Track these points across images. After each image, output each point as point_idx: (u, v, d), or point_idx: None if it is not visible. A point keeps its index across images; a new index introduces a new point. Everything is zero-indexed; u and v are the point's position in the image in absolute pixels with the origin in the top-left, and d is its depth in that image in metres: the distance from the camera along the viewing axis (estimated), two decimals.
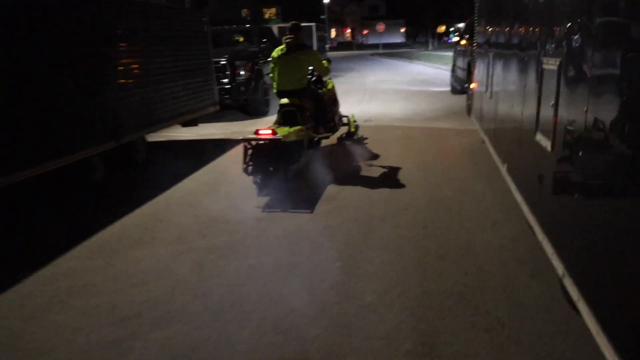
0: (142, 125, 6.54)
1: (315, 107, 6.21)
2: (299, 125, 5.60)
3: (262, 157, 5.06)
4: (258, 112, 11.02)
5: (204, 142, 8.65)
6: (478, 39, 6.49)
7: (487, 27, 5.41)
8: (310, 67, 6.22)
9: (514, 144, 3.85)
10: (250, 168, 5.11)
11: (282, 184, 5.28)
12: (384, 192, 5.31)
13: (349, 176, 5.98)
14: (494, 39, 4.81)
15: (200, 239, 4.28)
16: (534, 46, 3.03)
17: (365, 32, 77.85)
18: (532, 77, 3.03)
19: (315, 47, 18.01)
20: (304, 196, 5.26)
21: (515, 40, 3.77)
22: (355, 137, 7.69)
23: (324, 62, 6.36)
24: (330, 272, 3.56)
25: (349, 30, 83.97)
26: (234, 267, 3.72)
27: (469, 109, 9.46)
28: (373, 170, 6.18)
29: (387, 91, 14.62)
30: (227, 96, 10.48)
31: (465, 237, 4.07)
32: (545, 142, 2.52)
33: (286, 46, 5.97)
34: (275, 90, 6.15)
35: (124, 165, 6.72)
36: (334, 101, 6.90)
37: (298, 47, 5.93)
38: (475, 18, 6.82)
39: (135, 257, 3.97)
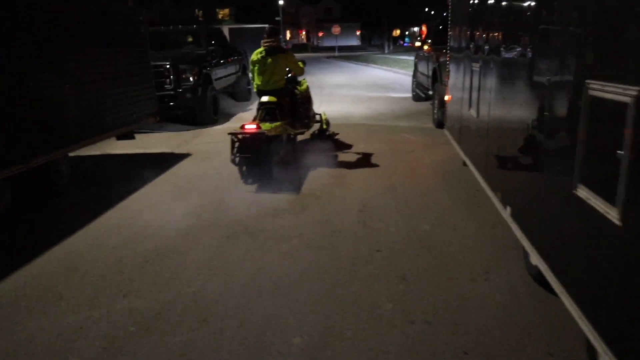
0: (62, 143, 5.44)
1: (291, 105, 6.70)
2: (279, 121, 6.04)
3: (246, 148, 5.45)
4: (206, 120, 10.02)
5: (144, 157, 7.60)
6: (454, 43, 5.74)
7: (472, 29, 4.64)
8: (287, 68, 6.63)
9: (526, 185, 3.04)
10: (237, 159, 5.51)
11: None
12: (350, 227, 4.48)
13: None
14: (486, 44, 4.03)
15: (120, 300, 3.31)
16: (571, 66, 2.20)
17: (320, 34, 77.35)
18: (569, 106, 2.21)
19: None
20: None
21: (528, 52, 2.97)
22: (327, 132, 8.29)
23: (299, 63, 6.79)
24: None
25: (304, 32, 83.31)
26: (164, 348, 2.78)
27: (439, 122, 8.78)
28: (336, 200, 5.34)
29: (346, 98, 13.85)
30: (172, 104, 9.44)
31: (455, 293, 3.27)
32: (603, 206, 1.72)
33: (265, 49, 6.36)
34: (255, 90, 6.59)
35: (41, 191, 5.60)
36: (308, 100, 7.48)
37: (276, 50, 6.36)
38: (450, 18, 6.07)
39: (26, 333, 2.97)
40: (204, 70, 10.12)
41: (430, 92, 10.34)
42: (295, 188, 5.65)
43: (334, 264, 3.74)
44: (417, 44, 11.87)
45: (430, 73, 9.64)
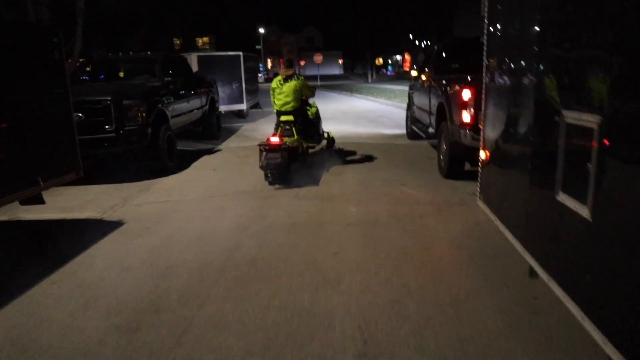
0: None
1: (304, 124, 7.88)
2: (295, 136, 7.30)
3: (272, 157, 6.73)
4: (160, 166, 8.10)
5: (57, 226, 5.63)
6: (503, 74, 3.86)
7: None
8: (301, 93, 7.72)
9: None
10: (264, 164, 6.75)
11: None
12: None
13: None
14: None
15: None
16: None
17: (302, 63, 76.43)
18: None
19: (242, 78, 15.31)
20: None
21: None
22: (333, 147, 9.26)
23: (311, 89, 7.96)
24: None
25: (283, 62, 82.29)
26: None
27: (449, 171, 7.01)
28: (320, 327, 3.43)
29: None
30: (114, 148, 7.53)
31: None
32: None
33: (282, 77, 7.65)
34: (275, 110, 7.76)
35: None
36: (317, 119, 8.57)
37: (292, 77, 7.62)
38: (489, 36, 4.20)
39: None
40: (158, 106, 8.25)
41: (432, 130, 8.59)
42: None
43: None
44: (413, 72, 10.15)
45: (434, 109, 7.87)
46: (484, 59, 3.94)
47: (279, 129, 7.37)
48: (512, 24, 3.28)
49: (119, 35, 42.18)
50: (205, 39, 71.03)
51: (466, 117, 6.24)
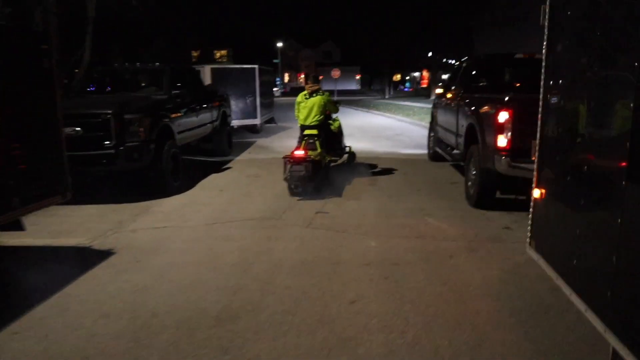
0: None
1: (327, 138, 7.97)
2: (318, 150, 7.53)
3: (296, 170, 6.99)
4: (163, 187, 7.49)
5: (39, 255, 5.02)
6: (565, 95, 3.11)
7: None
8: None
9: None
10: (289, 176, 7.04)
11: None
12: None
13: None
14: None
15: None
16: None
17: (320, 77, 76.10)
18: None
19: (257, 92, 14.76)
20: None
21: None
22: (353, 161, 9.22)
23: (335, 104, 8.14)
24: None
25: (302, 76, 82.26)
26: None
27: (478, 200, 6.32)
28: None
29: None
30: (113, 166, 6.95)
31: None
32: None
33: (308, 92, 7.83)
34: (299, 125, 7.89)
35: None
36: (340, 134, 8.67)
37: (317, 92, 7.77)
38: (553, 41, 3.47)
39: None
40: (163, 121, 7.68)
41: (457, 152, 7.89)
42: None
43: None
44: (438, 90, 9.47)
45: (462, 130, 7.18)
46: (543, 75, 3.24)
47: (303, 142, 7.57)
48: (592, 31, 2.59)
49: (137, 47, 42.27)
50: (223, 51, 71.18)
51: (502, 141, 5.55)
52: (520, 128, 5.43)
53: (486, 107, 6.04)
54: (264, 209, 6.52)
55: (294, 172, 6.97)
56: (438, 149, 9.62)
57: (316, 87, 7.88)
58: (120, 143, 6.90)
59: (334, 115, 8.48)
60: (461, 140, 7.40)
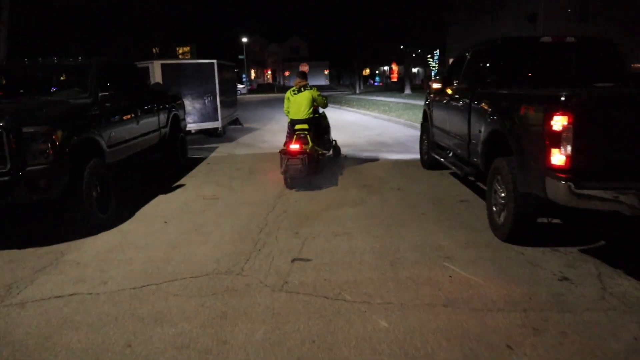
0: None
1: (316, 132, 8.21)
2: (310, 144, 7.63)
3: (292, 163, 7.22)
4: (85, 222, 5.59)
5: None
6: None
7: None
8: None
9: None
10: (286, 169, 7.24)
11: None
12: None
13: None
14: None
15: None
16: None
17: (286, 73, 74.11)
18: None
19: (217, 91, 12.79)
20: None
21: None
22: (340, 155, 9.78)
23: (323, 99, 8.29)
24: None
25: (269, 72, 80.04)
26: None
27: (513, 233, 4.66)
28: None
29: (323, 167, 9.68)
30: (8, 199, 5.04)
31: None
32: None
33: (297, 88, 8.08)
34: (289, 120, 8.12)
35: None
36: (328, 128, 9.13)
37: (305, 88, 8.04)
38: None
39: None
40: (85, 133, 5.77)
41: (475, 161, 6.20)
42: None
43: None
44: (435, 85, 7.77)
45: (480, 137, 5.48)
46: None
47: (295, 136, 7.71)
48: None
49: (98, 46, 39.50)
50: (186, 48, 68.36)
51: (558, 157, 3.87)
52: (587, 137, 3.77)
53: (527, 109, 4.35)
54: (220, 255, 4.70)
55: (290, 166, 7.22)
56: (435, 154, 7.95)
57: (304, 83, 8.13)
58: (19, 167, 4.98)
59: (320, 110, 8.63)
60: (475, 149, 5.72)
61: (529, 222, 4.60)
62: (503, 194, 4.83)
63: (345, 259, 4.54)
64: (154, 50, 55.23)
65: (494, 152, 5.14)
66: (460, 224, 5.50)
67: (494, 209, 5.09)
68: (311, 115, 7.96)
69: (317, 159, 8.12)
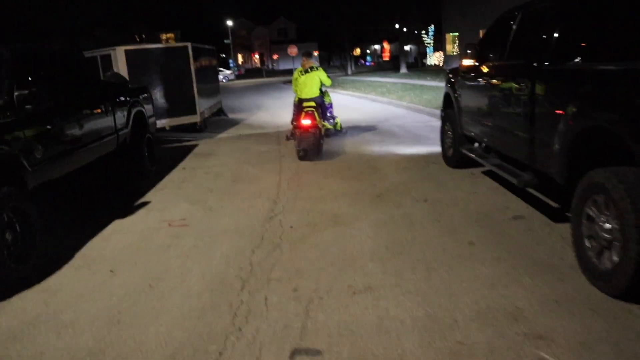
0: None
1: (322, 109, 8.72)
2: (318, 119, 8.12)
3: (304, 137, 7.86)
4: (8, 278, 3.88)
5: None
6: None
7: None
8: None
9: None
10: (298, 144, 7.91)
11: None
12: None
13: None
14: None
15: None
16: None
17: (275, 56, 71.82)
18: None
19: (193, 79, 10.96)
20: None
21: None
22: (342, 131, 9.78)
23: (328, 78, 8.89)
24: None
25: (257, 56, 77.67)
26: None
27: (628, 286, 2.97)
28: None
29: (317, 169, 7.99)
30: None
31: None
32: None
33: (304, 69, 8.72)
34: (296, 99, 8.87)
35: None
36: (331, 105, 9.57)
37: (312, 68, 8.69)
38: None
39: None
40: None
41: (535, 172, 4.52)
42: None
43: None
44: (466, 61, 6.00)
45: (558, 136, 3.76)
46: None
47: (303, 113, 8.11)
48: None
49: (76, 37, 37.30)
50: (170, 34, 65.88)
51: None
52: None
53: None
54: (180, 341, 3.01)
55: (302, 140, 7.83)
56: (466, 151, 6.26)
57: (312, 64, 8.79)
58: None
59: (323, 89, 8.98)
60: (544, 152, 4.02)
61: None
62: (608, 225, 3.15)
63: (377, 347, 2.85)
64: (137, 38, 52.97)
65: (586, 158, 3.45)
66: (530, 260, 3.82)
67: (588, 244, 3.41)
68: (318, 94, 8.56)
69: (322, 136, 8.41)
